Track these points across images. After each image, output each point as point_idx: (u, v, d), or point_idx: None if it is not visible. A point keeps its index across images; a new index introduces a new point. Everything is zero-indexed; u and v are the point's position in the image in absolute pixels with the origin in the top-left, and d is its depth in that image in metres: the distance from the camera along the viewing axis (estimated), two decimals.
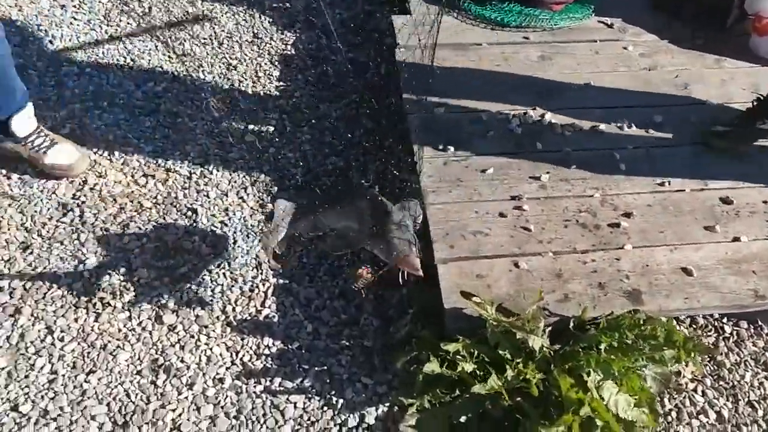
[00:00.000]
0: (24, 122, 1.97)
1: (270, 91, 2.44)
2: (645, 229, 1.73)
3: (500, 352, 1.50)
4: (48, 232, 1.90)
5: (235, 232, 1.94)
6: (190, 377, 1.61)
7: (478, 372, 1.52)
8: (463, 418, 1.52)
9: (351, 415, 1.57)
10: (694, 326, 1.77)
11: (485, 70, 2.17)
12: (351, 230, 1.59)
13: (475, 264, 1.63)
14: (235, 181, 2.10)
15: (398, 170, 2.12)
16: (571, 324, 1.53)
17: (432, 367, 1.46)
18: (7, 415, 1.51)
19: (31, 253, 1.84)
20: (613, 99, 2.13)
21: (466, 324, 1.52)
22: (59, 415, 1.52)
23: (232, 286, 1.80)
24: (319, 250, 1.87)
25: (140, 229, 1.93)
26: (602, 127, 2.03)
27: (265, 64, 2.56)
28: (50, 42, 2.58)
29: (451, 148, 1.91)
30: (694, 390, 1.67)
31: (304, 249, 1.88)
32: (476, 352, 1.52)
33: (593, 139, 1.98)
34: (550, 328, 1.51)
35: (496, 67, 2.21)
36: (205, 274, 1.82)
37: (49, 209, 1.97)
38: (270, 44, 2.66)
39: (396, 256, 1.51)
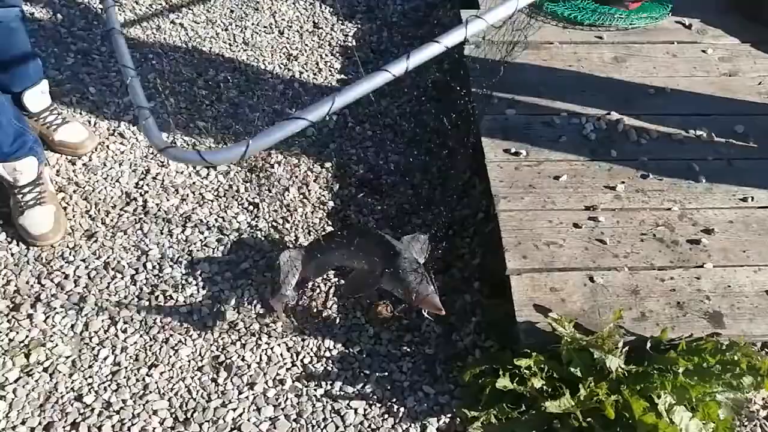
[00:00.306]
0: (37, 98, 1.98)
1: (331, 83, 2.40)
2: (726, 248, 1.64)
3: (571, 369, 1.44)
4: (112, 220, 1.91)
5: (296, 229, 1.91)
6: (250, 376, 1.59)
7: (546, 388, 1.47)
8: None
9: (412, 425, 1.53)
10: (766, 350, 1.67)
11: (557, 69, 2.09)
12: (363, 272, 1.63)
13: (549, 277, 1.57)
14: (297, 177, 2.07)
15: (462, 172, 2.07)
16: (648, 344, 1.46)
17: (504, 382, 1.41)
18: (72, 405, 1.51)
19: (96, 241, 1.85)
20: (692, 106, 2.02)
21: (540, 339, 1.47)
22: (122, 408, 1.52)
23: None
24: None
25: (202, 221, 1.92)
26: (680, 135, 1.93)
27: (326, 55, 2.52)
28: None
29: (523, 152, 1.84)
30: (766, 418, 1.59)
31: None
32: (546, 368, 1.46)
33: (671, 149, 1.89)
34: (626, 348, 1.44)
35: (568, 68, 2.12)
36: (266, 271, 1.79)
37: (112, 197, 1.97)
38: (331, 35, 2.61)
39: (417, 298, 1.51)
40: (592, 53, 2.19)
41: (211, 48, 2.51)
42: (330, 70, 2.45)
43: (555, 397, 1.44)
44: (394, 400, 1.57)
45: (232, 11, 2.71)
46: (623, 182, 1.78)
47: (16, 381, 1.53)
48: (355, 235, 1.66)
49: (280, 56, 2.50)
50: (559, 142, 1.89)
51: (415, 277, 1.53)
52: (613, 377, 1.42)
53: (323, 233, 1.86)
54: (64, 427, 1.47)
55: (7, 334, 1.63)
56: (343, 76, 2.43)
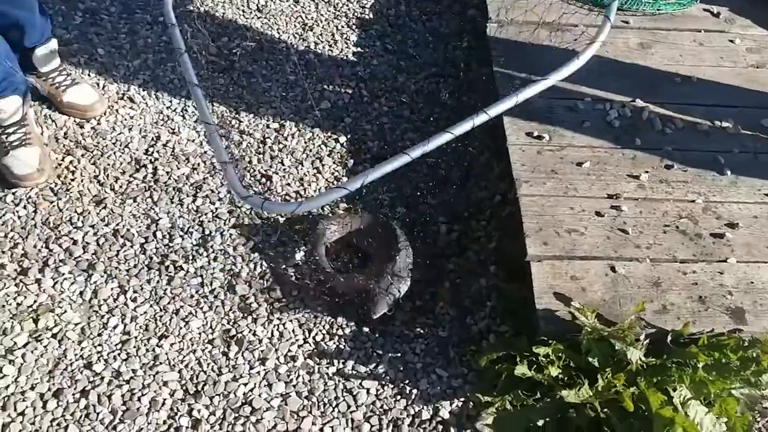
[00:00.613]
0: (46, 57, 1.92)
1: (347, 56, 2.33)
2: (750, 243, 1.62)
3: (590, 359, 1.43)
4: (121, 187, 1.86)
5: (314, 212, 1.87)
6: (262, 352, 1.57)
7: (562, 377, 1.46)
8: (540, 422, 1.46)
9: (425, 407, 1.52)
10: None
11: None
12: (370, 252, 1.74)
13: (570, 265, 1.54)
14: (310, 150, 2.02)
15: (481, 153, 2.03)
16: (669, 338, 1.45)
17: (522, 370, 1.40)
18: (81, 372, 1.49)
19: (105, 207, 1.80)
20: (718, 96, 1.98)
21: (559, 327, 1.45)
22: (131, 377, 1.49)
23: (307, 260, 1.74)
24: None
25: (213, 191, 1.87)
26: (705, 126, 1.89)
27: (342, 27, 2.45)
28: None
29: (546, 136, 1.80)
30: None
31: None
32: (563, 357, 1.45)
33: (696, 139, 1.85)
34: (647, 341, 1.43)
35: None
36: (278, 246, 1.76)
37: (122, 163, 1.92)
38: (347, 6, 2.54)
39: (372, 311, 1.60)
40: (617, 38, 2.14)
41: (223, 14, 2.44)
42: (346, 43, 2.39)
43: (571, 386, 1.42)
44: (407, 381, 1.55)
45: None
46: (647, 171, 1.75)
47: (24, 346, 1.50)
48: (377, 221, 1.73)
49: (295, 25, 2.43)
50: (582, 128, 1.85)
51: (385, 283, 1.60)
52: (632, 369, 1.41)
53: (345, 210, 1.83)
54: (73, 394, 1.44)
55: (15, 298, 1.59)
56: (359, 49, 2.37)
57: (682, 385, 1.42)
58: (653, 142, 1.83)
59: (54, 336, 1.53)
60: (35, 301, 1.59)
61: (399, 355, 1.60)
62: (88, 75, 2.14)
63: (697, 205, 1.69)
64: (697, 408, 1.41)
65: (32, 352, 1.49)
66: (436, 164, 2.00)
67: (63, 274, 1.65)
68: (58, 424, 1.40)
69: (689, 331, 1.44)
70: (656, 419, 1.37)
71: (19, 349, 1.50)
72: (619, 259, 1.56)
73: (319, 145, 2.03)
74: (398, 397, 1.53)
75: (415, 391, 1.54)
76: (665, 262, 1.57)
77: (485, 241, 1.82)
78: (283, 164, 1.97)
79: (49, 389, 1.44)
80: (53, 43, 1.93)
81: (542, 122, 1.85)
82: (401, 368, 1.58)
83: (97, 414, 1.42)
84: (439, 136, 1.35)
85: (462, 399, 1.54)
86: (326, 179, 1.94)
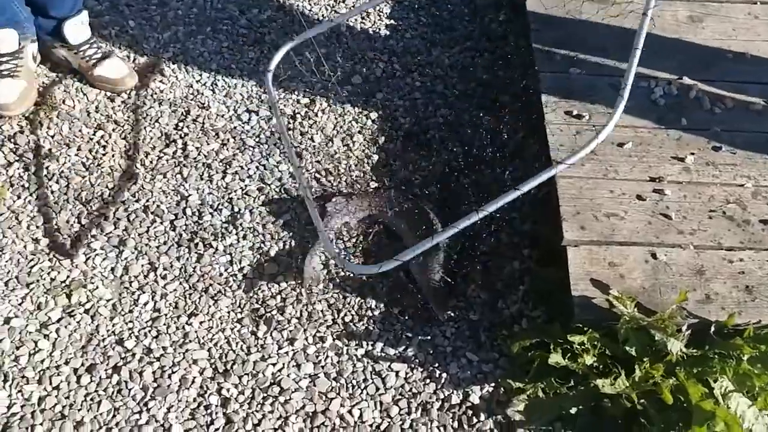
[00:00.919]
0: (77, 29, 1.92)
1: (379, 29, 2.27)
2: None
3: (627, 348, 1.38)
4: (151, 162, 1.85)
5: (339, 183, 1.84)
6: (290, 332, 1.56)
7: (596, 365, 1.42)
8: (573, 410, 1.43)
9: (454, 392, 1.50)
10: None
11: (628, 28, 1.93)
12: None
13: (608, 250, 1.49)
14: (341, 126, 1.98)
15: (516, 131, 1.96)
16: (712, 329, 1.39)
17: (556, 358, 1.36)
18: (113, 349, 1.50)
19: (135, 183, 1.80)
20: None
21: (596, 315, 1.40)
22: (162, 355, 1.50)
23: (336, 239, 1.71)
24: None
25: (243, 168, 1.85)
26: (759, 106, 1.79)
27: None
28: None
29: (586, 115, 1.72)
30: None
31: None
32: (599, 345, 1.40)
33: (747, 120, 1.76)
34: (689, 332, 1.37)
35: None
36: (308, 224, 1.74)
37: (152, 138, 1.91)
38: None
39: (429, 286, 1.60)
40: (665, 11, 2.03)
41: None
42: (379, 15, 2.32)
43: (606, 374, 1.38)
44: (437, 365, 1.53)
45: None
46: (693, 153, 1.67)
47: (58, 321, 1.52)
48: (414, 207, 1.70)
49: None
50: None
51: (437, 276, 1.58)
52: (671, 359, 1.36)
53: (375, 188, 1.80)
54: (105, 370, 1.46)
55: (48, 273, 1.60)
56: (392, 21, 2.30)
57: (723, 376, 1.36)
58: (700, 122, 1.74)
59: (87, 312, 1.54)
60: (68, 277, 1.60)
61: (429, 338, 1.58)
62: (119, 47, 2.12)
63: (746, 190, 1.61)
64: (738, 400, 1.36)
65: (66, 327, 1.51)
66: (469, 142, 1.94)
67: (95, 249, 1.66)
68: (91, 399, 1.42)
69: (734, 322, 1.38)
70: (696, 411, 1.32)
71: (53, 324, 1.51)
72: (661, 246, 1.50)
73: (350, 122, 1.99)
74: (427, 380, 1.51)
75: (444, 375, 1.52)
76: (710, 249, 1.50)
77: (519, 223, 1.77)
78: (313, 141, 1.93)
79: (82, 364, 1.46)
80: (84, 15, 1.92)
81: (582, 100, 1.77)
82: (431, 351, 1.55)
83: (129, 390, 1.44)
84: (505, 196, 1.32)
85: (492, 384, 1.51)
86: (357, 156, 1.90)
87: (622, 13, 1.95)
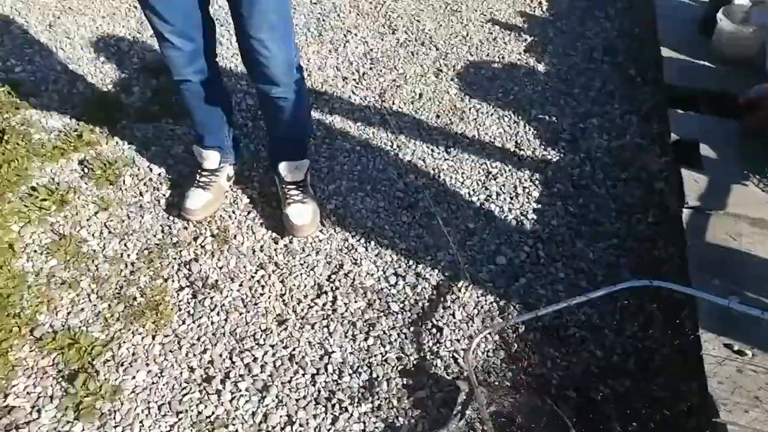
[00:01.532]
0: (291, 172, 2.18)
1: (527, 212, 2.37)
2: None
3: None
4: (302, 310, 1.97)
5: (475, 368, 1.86)
6: None
7: None
8: None
9: None
10: None
11: None
12: None
13: None
14: (482, 306, 2.03)
15: (662, 344, 1.92)
16: None
17: None
18: None
19: (285, 329, 1.91)
20: None
21: None
22: None
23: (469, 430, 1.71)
24: None
25: (384, 333, 1.93)
26: None
27: (525, 180, 2.50)
28: (329, 112, 2.77)
29: (749, 353, 1.67)
30: None
31: None
32: None
33: None
34: None
35: None
36: (441, 406, 1.75)
37: (305, 286, 2.05)
38: (531, 158, 2.61)
39: None
40: None
41: (414, 151, 2.60)
42: (527, 197, 2.43)
43: None
44: None
45: (438, 116, 2.80)
46: None
47: None
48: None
49: (479, 172, 2.53)
50: None
51: None
52: None
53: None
54: None
55: (197, 405, 1.71)
56: (539, 206, 2.39)
57: None
58: None
59: None
60: (213, 413, 1.70)
61: None
62: None
63: None
64: None
65: None
66: (611, 348, 1.92)
67: (240, 390, 1.75)
68: None
69: None
70: None
71: None
72: None
73: (491, 303, 2.04)
74: None
75: None
76: None
77: None
78: (453, 317, 1.99)
79: None
80: (302, 163, 2.20)
81: (745, 333, 1.71)
82: None
83: None
84: None
85: None
86: (495, 341, 1.93)
87: None
